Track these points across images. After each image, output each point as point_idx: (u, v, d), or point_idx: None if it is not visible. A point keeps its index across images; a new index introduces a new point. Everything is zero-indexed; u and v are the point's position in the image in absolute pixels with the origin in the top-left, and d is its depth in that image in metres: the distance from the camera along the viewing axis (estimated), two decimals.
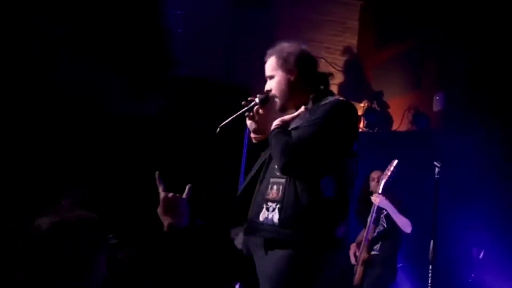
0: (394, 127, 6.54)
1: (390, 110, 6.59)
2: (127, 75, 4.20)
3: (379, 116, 6.52)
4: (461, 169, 4.74)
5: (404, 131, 6.35)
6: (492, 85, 5.21)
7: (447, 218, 4.39)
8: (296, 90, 2.44)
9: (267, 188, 2.31)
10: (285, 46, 2.49)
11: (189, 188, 2.28)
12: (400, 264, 4.68)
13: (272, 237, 2.21)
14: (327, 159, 2.23)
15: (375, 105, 6.60)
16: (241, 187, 2.52)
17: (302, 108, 2.37)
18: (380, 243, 4.58)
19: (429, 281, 3.84)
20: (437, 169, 3.87)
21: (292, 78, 2.43)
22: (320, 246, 2.18)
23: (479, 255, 4.98)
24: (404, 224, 4.45)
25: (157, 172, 2.26)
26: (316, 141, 2.18)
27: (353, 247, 4.71)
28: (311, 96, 2.42)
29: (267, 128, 2.33)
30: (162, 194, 2.23)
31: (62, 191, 3.66)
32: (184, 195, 2.26)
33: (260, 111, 2.38)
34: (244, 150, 4.94)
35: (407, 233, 4.49)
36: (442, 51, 6.28)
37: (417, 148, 5.40)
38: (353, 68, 7.33)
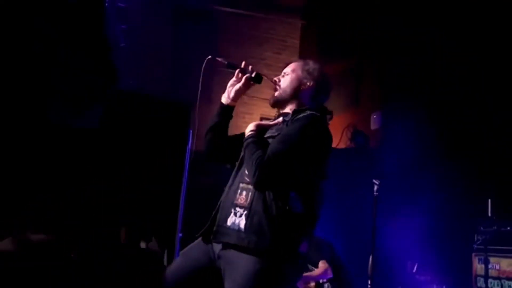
0: (333, 144, 6.65)
1: (329, 128, 6.70)
2: (66, 87, 4.09)
3: None
4: (398, 185, 4.87)
5: (343, 148, 6.48)
6: (429, 104, 5.40)
7: (385, 233, 4.49)
8: (299, 95, 2.51)
9: (236, 192, 2.32)
10: (313, 62, 2.59)
11: None
12: None
13: (236, 243, 2.22)
14: (298, 176, 2.25)
15: None
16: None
17: (280, 119, 2.43)
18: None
19: None
20: (376, 186, 3.96)
21: (304, 85, 2.51)
22: (282, 257, 2.19)
23: (413, 268, 5.11)
24: (322, 275, 4.52)
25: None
26: (287, 158, 2.20)
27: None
28: (293, 109, 2.47)
29: (234, 96, 2.52)
30: None
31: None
32: None
33: (243, 81, 2.51)
34: (186, 165, 4.89)
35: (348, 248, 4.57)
36: (379, 70, 6.48)
37: (355, 165, 5.51)
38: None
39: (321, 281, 4.52)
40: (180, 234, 4.74)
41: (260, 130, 2.41)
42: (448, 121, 5.11)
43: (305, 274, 4.42)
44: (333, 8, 6.85)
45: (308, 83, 2.51)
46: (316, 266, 4.48)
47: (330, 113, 2.57)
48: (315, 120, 2.34)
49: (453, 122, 5.09)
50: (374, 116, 6.33)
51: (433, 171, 4.91)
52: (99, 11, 4.03)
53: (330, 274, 4.48)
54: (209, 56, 2.56)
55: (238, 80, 2.56)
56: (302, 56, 7.79)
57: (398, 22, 5.83)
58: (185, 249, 2.49)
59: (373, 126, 6.34)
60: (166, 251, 4.86)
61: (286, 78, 2.54)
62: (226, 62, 2.54)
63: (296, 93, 2.51)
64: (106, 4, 4.12)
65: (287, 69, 2.58)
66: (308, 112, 2.39)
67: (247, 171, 2.29)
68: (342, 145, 6.54)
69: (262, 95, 6.68)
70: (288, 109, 2.51)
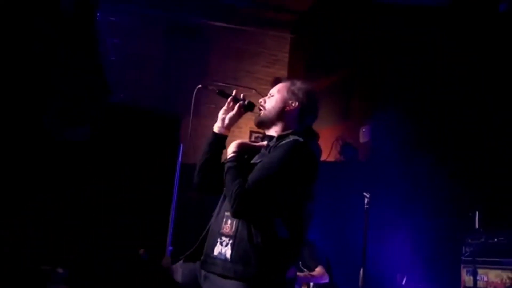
0: (323, 157, 6.69)
1: (319, 141, 6.74)
2: (58, 100, 4.11)
3: None
4: (388, 198, 4.91)
5: (332, 161, 6.51)
6: (417, 117, 5.45)
7: (376, 246, 4.51)
8: (283, 116, 2.48)
9: (222, 221, 2.29)
10: (300, 82, 2.55)
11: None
12: None
13: (222, 273, 2.20)
14: (280, 203, 2.22)
15: None
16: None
17: (264, 143, 2.42)
18: None
19: None
20: (366, 199, 3.99)
21: (289, 107, 2.47)
22: (269, 284, 2.17)
23: (402, 281, 5.13)
24: (319, 279, 4.55)
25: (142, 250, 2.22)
26: (268, 187, 2.17)
27: None
28: (278, 132, 2.46)
29: (228, 123, 2.50)
30: None
31: None
32: None
33: (236, 109, 2.51)
34: (176, 179, 4.91)
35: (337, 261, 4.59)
36: (368, 84, 6.54)
37: (345, 178, 5.55)
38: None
39: (311, 284, 4.56)
40: (171, 248, 4.75)
41: (243, 151, 2.38)
42: (436, 135, 5.16)
43: (303, 274, 4.45)
44: (323, 22, 6.92)
45: (293, 104, 2.46)
46: (310, 270, 4.52)
47: (316, 134, 2.53)
48: (298, 146, 2.30)
49: (441, 136, 5.15)
50: (363, 130, 6.38)
51: (421, 184, 4.95)
52: (91, 25, 4.06)
53: (326, 279, 4.52)
54: (200, 85, 2.55)
55: (230, 109, 2.54)
56: (292, 69, 7.86)
57: (388, 35, 5.90)
58: (174, 266, 2.48)
59: (362, 139, 6.39)
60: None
61: (271, 99, 2.51)
62: (217, 91, 2.52)
63: (281, 114, 2.46)
64: (98, 18, 4.15)
65: (273, 90, 2.55)
66: (291, 137, 2.34)
67: (227, 199, 2.27)
68: (331, 158, 6.58)
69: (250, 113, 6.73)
70: (273, 131, 2.47)
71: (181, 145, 4.96)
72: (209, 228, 2.40)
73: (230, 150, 2.38)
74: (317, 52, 7.29)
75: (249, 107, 2.55)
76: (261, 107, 2.52)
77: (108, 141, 4.97)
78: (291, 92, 2.49)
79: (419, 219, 4.89)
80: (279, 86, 2.55)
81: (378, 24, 5.96)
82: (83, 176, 4.79)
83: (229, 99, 2.55)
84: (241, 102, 2.54)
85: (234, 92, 2.58)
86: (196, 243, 2.41)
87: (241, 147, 2.39)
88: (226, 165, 2.31)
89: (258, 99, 2.62)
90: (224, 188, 2.30)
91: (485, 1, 4.86)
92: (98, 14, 4.04)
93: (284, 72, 7.87)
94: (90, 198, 4.72)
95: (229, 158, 2.34)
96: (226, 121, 2.53)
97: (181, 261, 2.42)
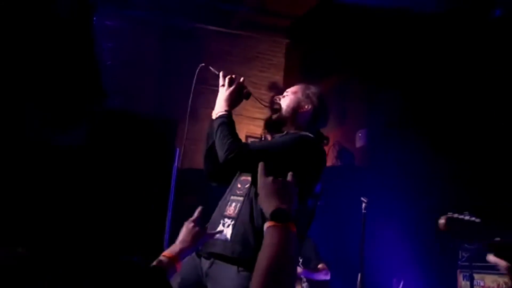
0: None
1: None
2: (52, 105, 4.08)
3: None
4: (385, 203, 4.91)
5: (329, 166, 6.51)
6: (411, 122, 5.46)
7: (373, 250, 4.51)
8: (296, 117, 2.51)
9: (226, 205, 2.34)
10: (314, 87, 2.60)
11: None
12: None
13: (221, 252, 2.23)
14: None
15: None
16: None
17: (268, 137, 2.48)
18: None
19: None
20: (364, 204, 3.98)
21: (302, 108, 2.51)
22: None
23: (399, 285, 5.13)
24: (321, 276, 4.57)
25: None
26: (264, 155, 2.19)
27: None
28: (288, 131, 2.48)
29: (228, 105, 2.45)
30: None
31: None
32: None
33: (230, 90, 2.48)
34: (173, 184, 4.88)
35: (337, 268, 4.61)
36: (364, 89, 6.55)
37: (342, 183, 5.54)
38: (272, 102, 7.48)
39: (303, 278, 4.57)
40: None
41: (231, 108, 2.45)
42: (432, 140, 5.17)
43: (305, 270, 4.46)
44: (319, 28, 6.93)
45: (306, 106, 2.51)
46: (313, 267, 4.53)
47: (326, 138, 2.58)
48: (305, 139, 2.35)
49: (438, 140, 5.15)
50: (359, 134, 6.39)
51: (418, 188, 4.96)
52: (88, 28, 4.04)
53: (328, 276, 4.53)
54: (203, 64, 2.57)
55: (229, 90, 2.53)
56: (287, 74, 7.86)
57: (384, 40, 5.92)
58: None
59: (358, 144, 6.40)
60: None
61: (286, 99, 2.55)
62: (217, 73, 2.57)
63: (294, 114, 2.51)
64: (94, 22, 4.14)
65: (289, 90, 2.59)
66: (301, 133, 2.42)
67: (217, 146, 2.29)
68: (328, 163, 6.57)
69: (247, 113, 6.72)
70: (285, 128, 2.52)
71: (177, 149, 4.95)
72: (212, 218, 2.42)
73: (221, 108, 2.43)
74: (312, 57, 7.30)
75: (247, 94, 2.54)
76: (276, 104, 2.55)
77: (103, 146, 4.95)
78: (305, 95, 2.54)
79: (416, 224, 4.89)
80: (295, 87, 2.60)
81: (373, 29, 5.97)
82: (77, 181, 4.76)
83: (228, 77, 2.54)
84: (239, 82, 2.54)
85: (242, 79, 2.57)
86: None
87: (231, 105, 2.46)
88: (218, 120, 2.34)
89: (255, 104, 2.62)
90: (215, 141, 2.32)
91: (479, 7, 4.89)
92: (94, 18, 4.03)
93: (279, 77, 7.87)
94: (84, 203, 4.69)
95: (221, 114, 2.36)
96: (226, 102, 2.51)
97: (189, 256, 2.44)
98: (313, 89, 2.57)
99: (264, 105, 2.63)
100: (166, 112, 6.49)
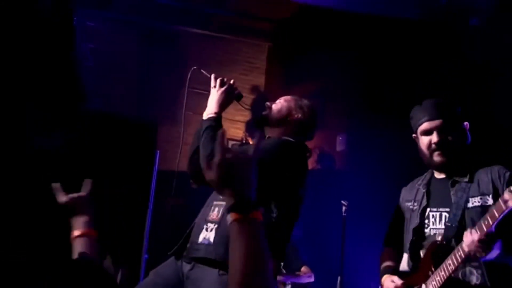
0: None
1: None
2: (30, 107, 4.03)
3: None
4: (364, 206, 4.93)
5: (310, 169, 6.52)
6: (390, 125, 5.50)
7: (353, 254, 4.53)
8: (284, 124, 2.57)
9: (210, 210, 2.36)
10: (307, 101, 2.68)
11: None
12: None
13: (204, 256, 2.24)
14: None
15: None
16: None
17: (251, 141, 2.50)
18: None
19: None
20: (344, 208, 4.01)
21: (292, 116, 2.58)
22: None
23: None
24: (305, 279, 4.60)
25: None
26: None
27: None
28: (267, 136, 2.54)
29: (218, 106, 2.49)
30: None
31: None
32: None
33: (221, 90, 2.54)
34: (153, 186, 4.86)
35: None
36: (344, 93, 6.59)
37: (323, 186, 5.56)
38: (261, 107, 7.49)
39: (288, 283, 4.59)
40: (146, 256, 4.69)
41: (221, 112, 2.49)
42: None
43: (288, 276, 4.48)
44: (301, 32, 6.95)
45: (296, 115, 2.57)
46: (294, 269, 4.55)
47: (309, 151, 2.65)
48: (287, 142, 2.38)
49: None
50: (340, 138, 6.42)
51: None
52: (68, 29, 3.99)
53: (312, 278, 4.56)
54: (195, 67, 2.60)
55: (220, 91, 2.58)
56: (269, 78, 7.87)
57: (366, 45, 5.96)
58: (157, 267, 2.49)
59: (339, 147, 6.43)
60: (120, 270, 4.78)
61: (278, 104, 2.62)
62: (209, 75, 2.60)
63: (283, 120, 2.57)
64: (75, 22, 4.09)
65: (282, 98, 2.66)
66: (283, 137, 2.46)
67: (200, 148, 2.32)
68: (309, 167, 6.59)
69: (228, 115, 6.71)
70: (270, 135, 2.57)
71: (158, 152, 4.93)
72: (194, 223, 2.43)
73: (211, 110, 2.46)
74: (294, 61, 7.32)
75: (238, 95, 2.61)
76: (267, 107, 2.63)
77: (84, 148, 4.90)
78: (298, 105, 2.61)
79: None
80: (288, 96, 2.68)
81: (355, 34, 6.02)
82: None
83: (219, 79, 2.60)
84: (231, 83, 2.61)
85: (232, 81, 2.65)
86: (182, 239, 2.44)
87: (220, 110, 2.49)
88: (206, 122, 2.36)
89: (236, 107, 2.65)
90: (200, 143, 2.33)
91: (457, 15, 4.97)
92: (75, 19, 3.98)
93: (261, 80, 7.88)
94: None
95: (210, 116, 2.39)
96: (217, 103, 2.55)
97: (170, 259, 2.44)
98: (306, 102, 2.65)
99: (245, 108, 2.66)
100: (146, 114, 6.45)
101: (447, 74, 5.06)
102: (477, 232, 2.22)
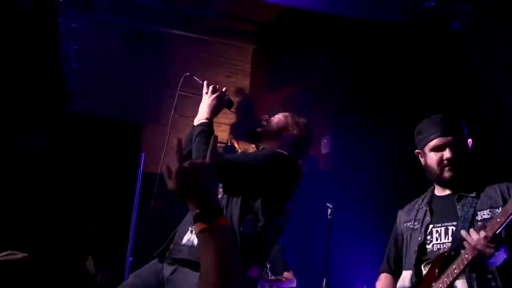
0: None
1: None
2: (13, 107, 3.99)
3: None
4: (351, 208, 4.96)
5: None
6: (374, 128, 5.54)
7: (338, 256, 4.55)
8: (279, 138, 2.59)
9: None
10: (304, 119, 2.72)
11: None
12: None
13: (187, 257, 2.25)
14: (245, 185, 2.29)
15: None
16: None
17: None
18: None
19: None
20: (329, 210, 4.02)
21: (288, 131, 2.61)
22: None
23: None
24: (287, 284, 4.62)
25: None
26: (240, 165, 2.31)
27: None
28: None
29: (209, 112, 2.50)
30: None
31: None
32: None
33: (213, 97, 2.55)
34: (137, 189, 4.83)
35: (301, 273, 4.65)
36: (328, 96, 6.62)
37: (308, 189, 5.56)
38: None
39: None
40: (131, 258, 4.66)
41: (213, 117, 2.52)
42: (398, 145, 5.25)
43: (272, 278, 4.48)
44: (285, 34, 6.97)
45: (292, 131, 2.60)
46: (279, 275, 4.56)
47: (302, 169, 2.64)
48: (281, 155, 2.41)
49: (404, 145, 5.24)
50: (325, 140, 6.44)
51: (384, 193, 5.02)
52: (52, 30, 3.97)
53: (294, 284, 4.57)
54: (187, 73, 2.62)
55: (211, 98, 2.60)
56: (254, 80, 7.87)
57: (350, 47, 5.99)
58: (139, 269, 2.49)
59: (324, 150, 6.45)
60: (101, 273, 4.74)
61: (275, 118, 2.66)
62: (201, 82, 2.62)
63: (279, 134, 2.60)
64: (59, 24, 4.06)
65: (280, 114, 2.70)
66: (277, 150, 2.49)
67: (193, 154, 2.33)
68: (299, 183, 6.60)
69: (216, 119, 6.69)
70: (265, 146, 2.60)
71: (143, 153, 4.90)
72: (180, 225, 2.45)
73: (203, 115, 2.47)
74: (279, 63, 7.34)
75: (229, 103, 2.65)
76: (264, 120, 2.67)
77: (68, 150, 4.86)
78: (295, 122, 2.65)
79: (381, 229, 4.95)
80: (286, 113, 2.72)
81: (339, 36, 6.04)
82: (40, 184, 4.66)
83: (211, 86, 2.62)
84: (223, 91, 2.62)
85: (225, 89, 2.67)
86: (166, 241, 2.45)
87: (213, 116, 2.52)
88: (198, 127, 2.37)
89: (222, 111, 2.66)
90: (192, 148, 2.35)
91: (439, 19, 5.03)
92: (59, 20, 3.95)
93: (246, 82, 7.88)
94: (47, 207, 4.59)
95: (202, 122, 2.40)
96: (208, 108, 2.57)
97: (152, 261, 2.44)
98: (303, 120, 2.70)
99: (231, 110, 2.68)
100: (130, 115, 6.41)
101: (433, 76, 5.11)
102: (485, 231, 2.20)
